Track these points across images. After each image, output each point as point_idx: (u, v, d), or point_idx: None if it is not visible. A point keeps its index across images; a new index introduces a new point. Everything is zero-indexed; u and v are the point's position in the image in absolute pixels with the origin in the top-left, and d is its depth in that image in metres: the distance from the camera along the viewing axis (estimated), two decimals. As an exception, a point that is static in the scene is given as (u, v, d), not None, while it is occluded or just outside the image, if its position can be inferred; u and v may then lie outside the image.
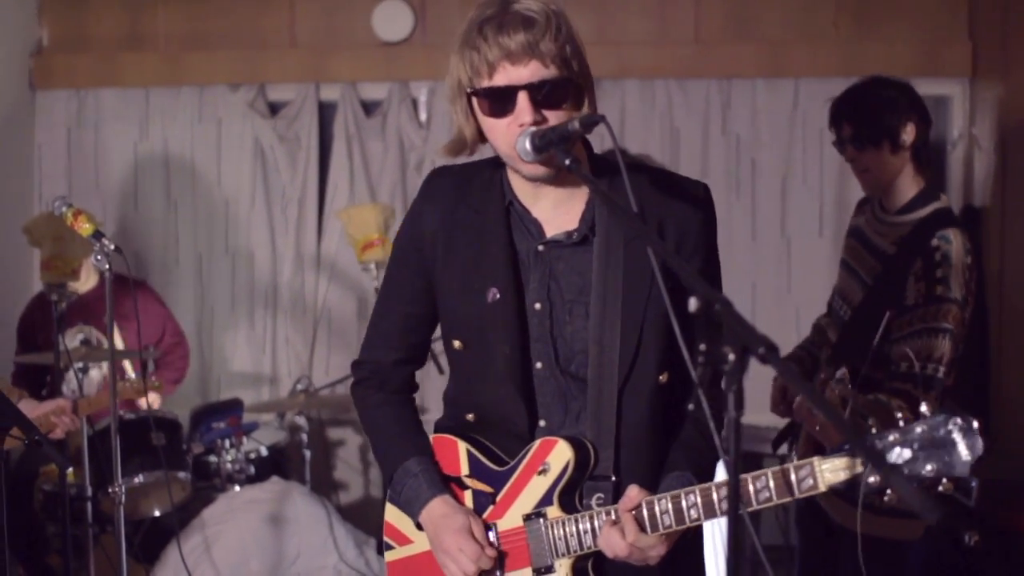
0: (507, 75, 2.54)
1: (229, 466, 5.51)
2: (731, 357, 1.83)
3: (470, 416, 2.83)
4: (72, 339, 5.62)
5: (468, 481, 2.82)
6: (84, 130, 6.90)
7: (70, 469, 4.89)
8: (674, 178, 2.78)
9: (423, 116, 6.83)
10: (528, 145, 2.53)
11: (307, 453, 5.95)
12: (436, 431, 2.95)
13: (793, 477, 2.36)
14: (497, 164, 2.80)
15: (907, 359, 3.76)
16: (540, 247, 2.73)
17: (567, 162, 2.46)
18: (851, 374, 3.82)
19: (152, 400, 5.38)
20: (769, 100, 6.59)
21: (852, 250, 4.25)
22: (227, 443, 5.53)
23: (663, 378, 2.72)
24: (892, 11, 6.54)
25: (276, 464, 5.78)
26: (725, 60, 6.60)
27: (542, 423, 2.76)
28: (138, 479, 5.13)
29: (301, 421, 5.96)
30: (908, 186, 4.04)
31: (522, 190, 2.74)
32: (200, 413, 5.68)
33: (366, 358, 2.98)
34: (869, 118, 4.03)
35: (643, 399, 2.70)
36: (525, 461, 2.72)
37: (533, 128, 2.54)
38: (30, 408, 4.66)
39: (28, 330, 5.88)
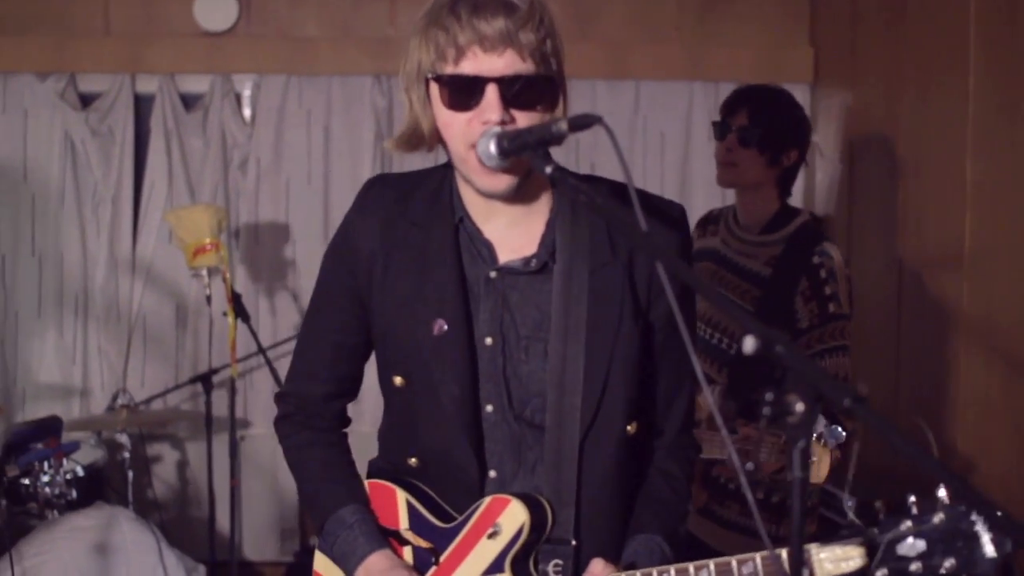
0: (477, 63, 2.22)
1: (47, 490, 5.03)
2: (799, 408, 1.55)
3: (412, 460, 2.48)
4: None
5: (408, 535, 2.48)
6: None
7: None
8: (646, 197, 2.43)
9: (247, 112, 6.42)
10: (493, 147, 2.20)
11: (130, 473, 5.51)
12: (371, 475, 2.59)
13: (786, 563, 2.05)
14: (446, 172, 2.47)
15: None
16: (492, 274, 2.40)
17: (548, 170, 2.11)
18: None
19: None
20: (609, 102, 6.38)
21: (711, 274, 4.09)
22: (45, 465, 5.06)
23: (631, 428, 2.41)
24: (734, 15, 6.41)
25: (95, 485, 5.32)
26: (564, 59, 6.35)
27: (492, 474, 2.42)
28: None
29: (123, 439, 5.52)
30: (766, 203, 3.96)
31: (474, 205, 2.41)
32: (15, 433, 5.19)
33: (291, 390, 2.63)
34: (769, 121, 3.93)
35: (607, 451, 2.39)
36: (473, 520, 2.38)
37: (498, 128, 2.20)
38: None
39: None
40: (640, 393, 2.43)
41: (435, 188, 2.47)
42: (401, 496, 2.49)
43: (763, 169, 3.94)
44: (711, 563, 2.17)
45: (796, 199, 6.20)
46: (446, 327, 2.37)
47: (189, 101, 6.43)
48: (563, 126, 2.10)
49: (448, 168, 2.47)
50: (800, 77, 6.33)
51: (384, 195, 2.49)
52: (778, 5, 6.42)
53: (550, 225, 2.41)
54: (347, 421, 2.69)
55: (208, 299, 5.62)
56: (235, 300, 5.46)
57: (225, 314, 5.48)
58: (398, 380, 2.44)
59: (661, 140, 6.41)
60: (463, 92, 2.24)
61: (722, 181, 4.07)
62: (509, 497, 2.34)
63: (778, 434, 3.50)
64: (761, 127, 3.91)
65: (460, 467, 2.41)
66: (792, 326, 3.74)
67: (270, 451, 6.04)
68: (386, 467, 2.57)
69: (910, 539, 1.93)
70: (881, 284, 5.40)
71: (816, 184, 6.23)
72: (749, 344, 1.59)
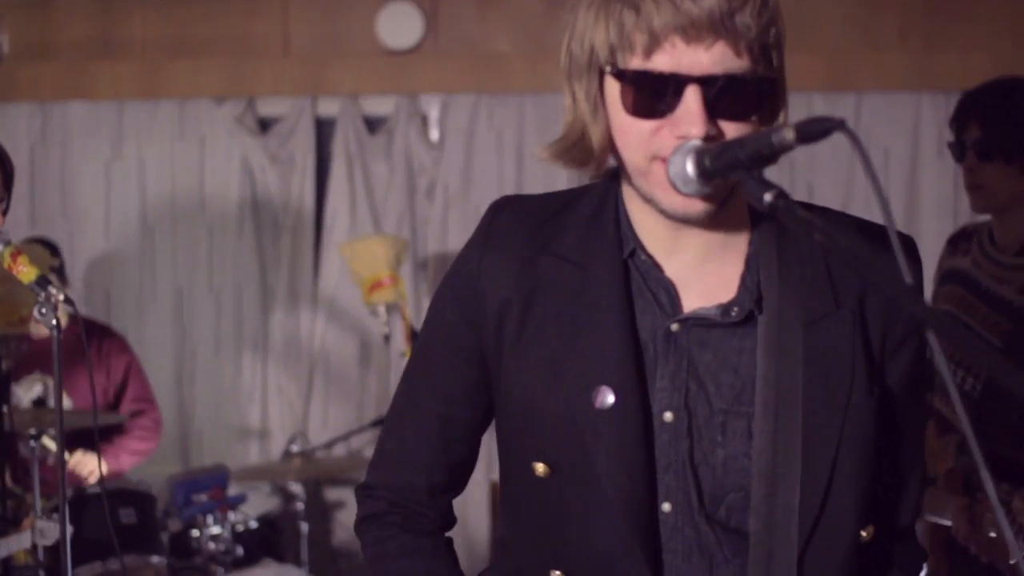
0: (676, 57, 1.63)
1: (212, 545, 4.71)
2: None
3: (556, 574, 1.86)
4: (28, 390, 4.84)
5: None
6: (49, 148, 6.08)
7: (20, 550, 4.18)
8: (872, 228, 1.84)
9: (434, 134, 6.05)
10: (691, 167, 1.61)
11: (304, 526, 5.14)
12: None
13: None
14: (608, 189, 1.87)
15: None
16: (673, 326, 1.79)
17: (768, 198, 1.51)
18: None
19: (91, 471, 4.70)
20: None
21: (958, 300, 3.47)
22: (210, 518, 4.74)
23: (865, 534, 1.80)
24: (967, 15, 5.78)
25: (266, 539, 5.00)
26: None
27: None
28: (102, 565, 4.33)
29: (296, 488, 5.18)
30: None
31: (652, 233, 1.80)
32: (178, 483, 4.90)
33: (380, 480, 2.01)
34: (1008, 122, 3.28)
35: (836, 567, 1.78)
36: None
37: (698, 142, 1.63)
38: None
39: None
40: (875, 486, 1.83)
41: (592, 211, 1.86)
42: None
43: (1017, 181, 3.32)
44: None
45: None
46: (611, 398, 1.77)
47: (373, 124, 6.10)
48: (789, 135, 1.51)
49: (612, 182, 1.87)
50: (1045, 84, 5.68)
51: (519, 223, 1.88)
52: (1018, 1, 5.77)
53: (751, 262, 1.81)
54: (453, 521, 2.07)
55: (386, 338, 5.24)
56: (414, 338, 5.06)
57: (403, 354, 5.08)
58: (540, 469, 1.84)
59: (885, 157, 5.83)
60: (654, 95, 1.66)
61: (975, 207, 3.47)
62: None
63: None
64: (999, 132, 3.29)
65: None
66: None
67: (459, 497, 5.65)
68: None
69: None
70: None
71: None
72: None
